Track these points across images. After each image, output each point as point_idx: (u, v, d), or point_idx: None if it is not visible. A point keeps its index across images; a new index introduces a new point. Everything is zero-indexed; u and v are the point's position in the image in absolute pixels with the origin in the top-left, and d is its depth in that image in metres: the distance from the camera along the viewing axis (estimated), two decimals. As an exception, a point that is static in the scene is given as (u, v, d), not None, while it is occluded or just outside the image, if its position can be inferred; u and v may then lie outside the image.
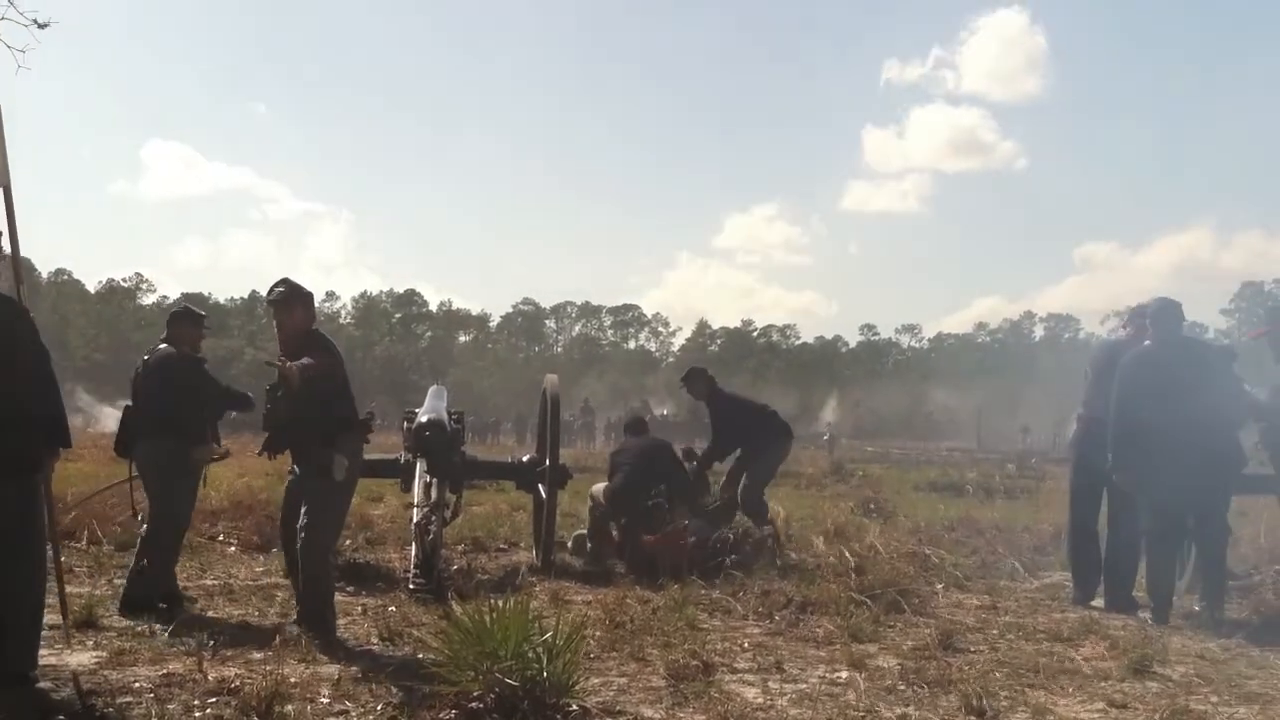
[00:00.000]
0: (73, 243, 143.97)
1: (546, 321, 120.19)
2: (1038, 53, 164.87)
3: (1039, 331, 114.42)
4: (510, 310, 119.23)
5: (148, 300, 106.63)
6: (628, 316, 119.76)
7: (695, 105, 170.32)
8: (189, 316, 7.99)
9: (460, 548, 10.65)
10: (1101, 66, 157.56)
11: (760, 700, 5.41)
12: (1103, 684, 5.94)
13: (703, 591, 8.15)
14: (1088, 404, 8.70)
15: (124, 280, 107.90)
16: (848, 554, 9.45)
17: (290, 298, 6.89)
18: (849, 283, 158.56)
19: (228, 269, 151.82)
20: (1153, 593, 7.94)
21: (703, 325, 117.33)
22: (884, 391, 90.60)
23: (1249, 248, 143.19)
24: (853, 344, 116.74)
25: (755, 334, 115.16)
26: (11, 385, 5.09)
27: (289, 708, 4.61)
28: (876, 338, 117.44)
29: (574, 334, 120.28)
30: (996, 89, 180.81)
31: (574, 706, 4.95)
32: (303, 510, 6.69)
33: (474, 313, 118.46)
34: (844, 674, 5.98)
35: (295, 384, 6.44)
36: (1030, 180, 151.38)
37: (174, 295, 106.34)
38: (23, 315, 5.36)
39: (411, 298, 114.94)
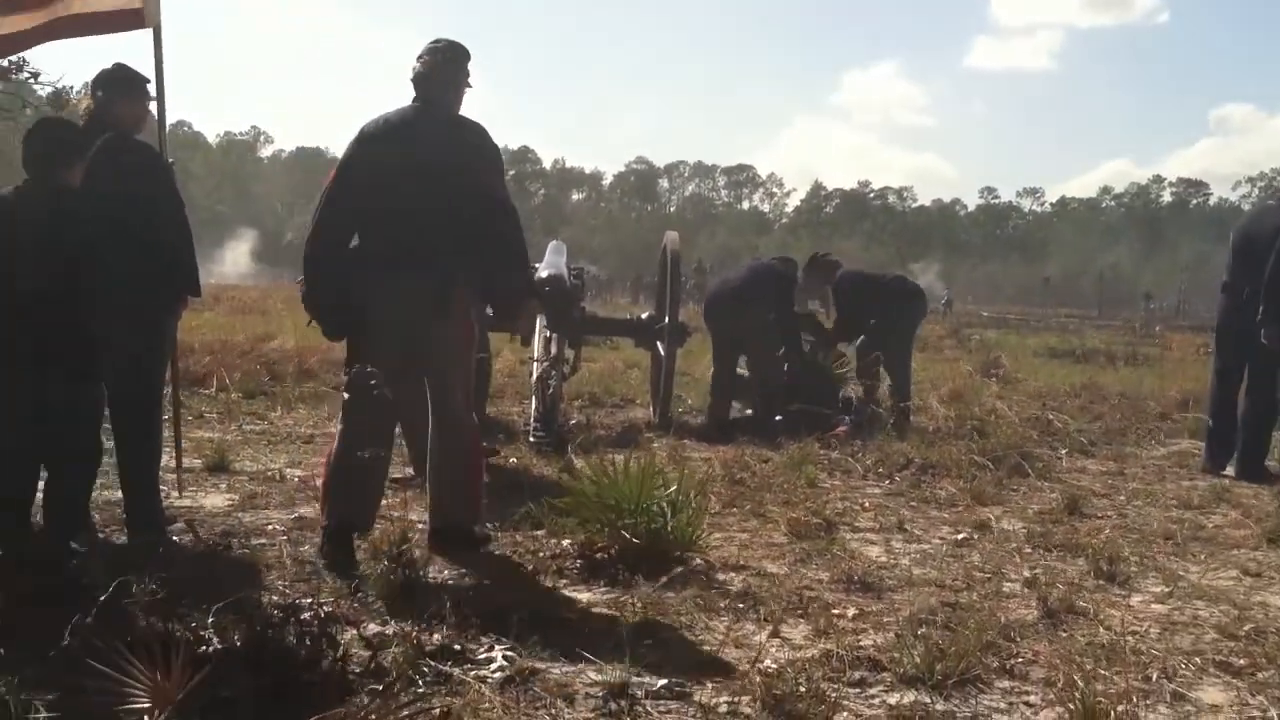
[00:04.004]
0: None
1: (660, 181, 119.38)
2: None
3: (1166, 197, 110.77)
4: (623, 169, 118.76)
5: (265, 153, 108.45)
6: (741, 177, 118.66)
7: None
8: None
9: (577, 403, 10.73)
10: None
11: (884, 559, 5.38)
12: (1235, 552, 5.80)
13: (821, 451, 8.09)
14: (1232, 273, 8.38)
15: (242, 134, 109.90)
16: (969, 416, 9.36)
17: None
18: (971, 144, 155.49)
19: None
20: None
21: (817, 187, 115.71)
22: (1002, 256, 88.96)
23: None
24: (971, 207, 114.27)
25: (871, 196, 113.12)
26: (150, 233, 5.08)
27: (417, 552, 4.68)
28: (997, 201, 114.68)
29: (687, 194, 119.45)
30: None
31: (698, 560, 4.98)
32: None
33: (587, 171, 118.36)
34: (967, 536, 5.93)
35: None
36: (1170, 37, 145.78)
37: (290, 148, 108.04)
38: (162, 163, 5.41)
39: (525, 154, 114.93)
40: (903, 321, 10.40)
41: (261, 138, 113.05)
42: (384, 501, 6.04)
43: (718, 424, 9.52)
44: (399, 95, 5.22)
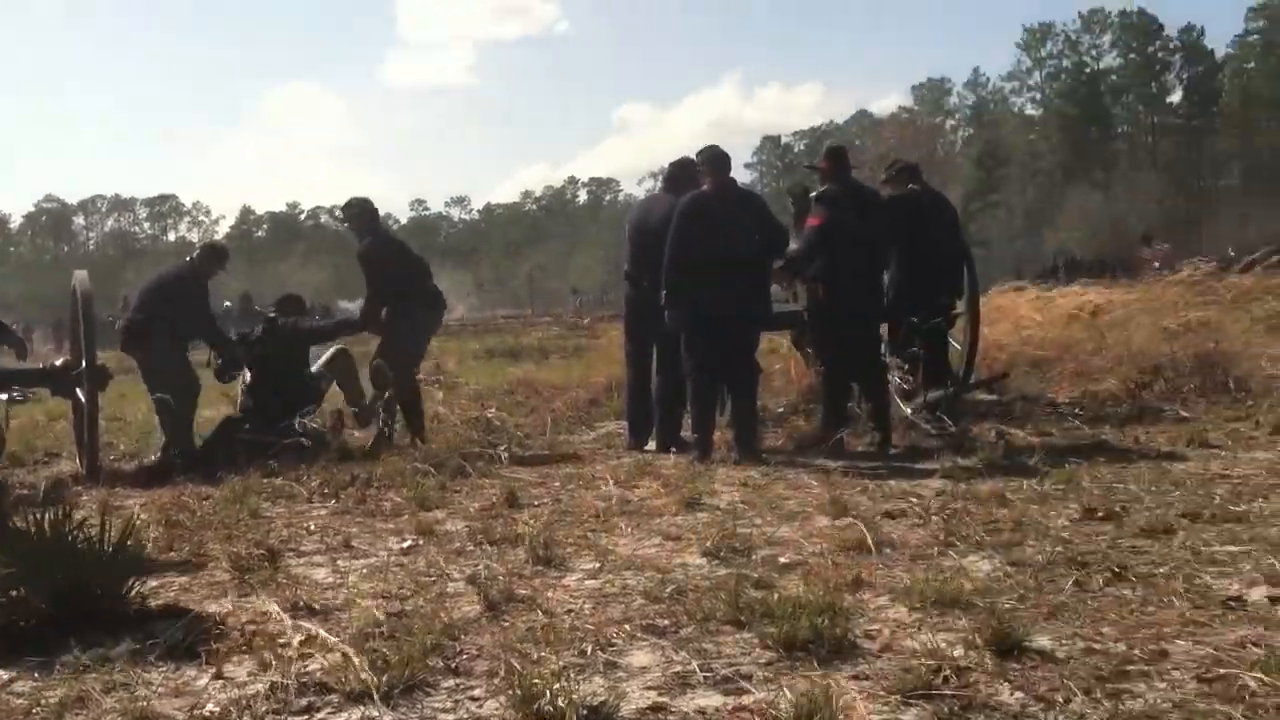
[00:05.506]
0: None
1: (75, 219, 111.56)
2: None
3: (582, 196, 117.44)
4: (33, 209, 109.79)
5: None
6: (165, 208, 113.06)
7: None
8: None
9: (-8, 465, 9.82)
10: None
11: (331, 579, 5.35)
12: (657, 520, 6.28)
13: (264, 480, 7.91)
14: (631, 261, 9.02)
15: None
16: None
17: None
18: (398, 159, 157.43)
19: None
20: (697, 430, 8.41)
21: (246, 211, 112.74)
22: (439, 264, 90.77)
23: (770, 101, 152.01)
24: (404, 220, 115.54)
25: (303, 216, 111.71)
26: None
27: None
28: (427, 212, 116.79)
29: (107, 230, 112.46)
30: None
31: (131, 611, 4.72)
32: None
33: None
34: (413, 543, 6.02)
35: None
36: (571, 44, 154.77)
37: None
38: None
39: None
40: (425, 321, 10.16)
41: None
42: None
43: (159, 466, 9.07)
44: None
